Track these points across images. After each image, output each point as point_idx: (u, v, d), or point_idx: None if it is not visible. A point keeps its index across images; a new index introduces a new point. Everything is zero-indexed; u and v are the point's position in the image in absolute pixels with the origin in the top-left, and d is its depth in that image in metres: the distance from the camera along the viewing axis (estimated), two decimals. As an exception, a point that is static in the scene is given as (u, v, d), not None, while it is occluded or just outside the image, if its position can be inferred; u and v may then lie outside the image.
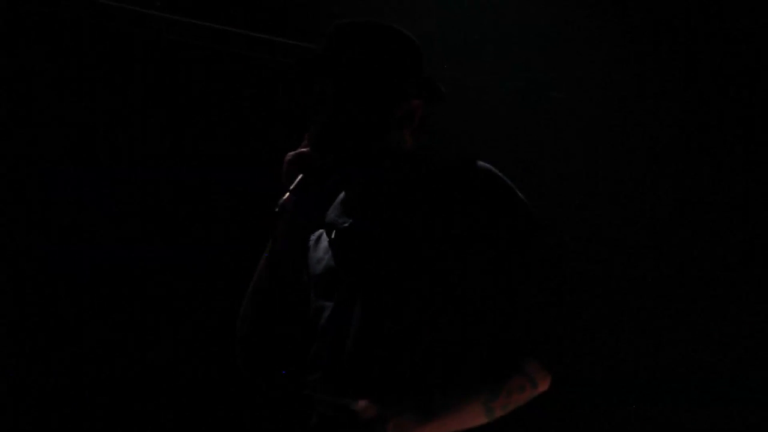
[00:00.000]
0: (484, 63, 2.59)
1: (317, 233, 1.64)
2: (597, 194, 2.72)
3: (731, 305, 2.68)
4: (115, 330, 2.40)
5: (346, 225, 1.53)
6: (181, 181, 2.44)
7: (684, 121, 2.68)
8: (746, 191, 2.68)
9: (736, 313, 2.68)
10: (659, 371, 2.71)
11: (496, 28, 2.58)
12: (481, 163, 1.51)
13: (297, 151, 1.52)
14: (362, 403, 1.36)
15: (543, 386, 1.41)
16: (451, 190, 1.49)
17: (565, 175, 2.67)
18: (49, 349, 2.35)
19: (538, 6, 2.57)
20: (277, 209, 1.47)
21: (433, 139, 1.58)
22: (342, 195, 1.61)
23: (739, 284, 2.69)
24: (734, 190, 2.69)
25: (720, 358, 2.68)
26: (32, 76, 2.34)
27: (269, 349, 1.56)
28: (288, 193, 1.48)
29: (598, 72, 2.65)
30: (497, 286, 1.44)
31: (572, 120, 2.67)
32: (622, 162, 2.71)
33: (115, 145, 2.40)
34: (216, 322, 2.35)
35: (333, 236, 1.56)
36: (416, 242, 1.48)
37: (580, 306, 1.47)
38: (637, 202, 2.73)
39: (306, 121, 1.53)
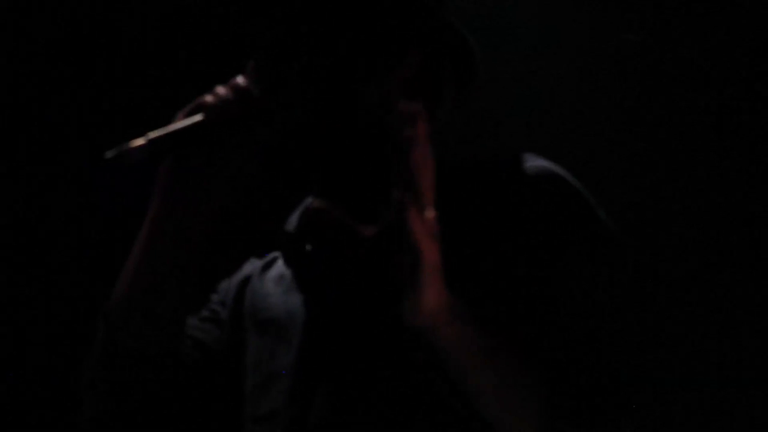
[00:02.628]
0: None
1: (271, 256, 1.15)
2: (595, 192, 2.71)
3: (731, 305, 2.68)
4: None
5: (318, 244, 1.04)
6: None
7: (683, 118, 2.68)
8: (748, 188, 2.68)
9: (736, 313, 2.68)
10: (660, 371, 2.71)
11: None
12: (537, 159, 1.04)
13: (238, 83, 1.00)
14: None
15: None
16: (495, 196, 1.01)
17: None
18: (49, 349, 2.35)
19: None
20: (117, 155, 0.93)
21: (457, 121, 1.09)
22: (307, 201, 1.11)
23: (740, 284, 2.69)
24: (735, 187, 2.69)
25: (720, 358, 2.68)
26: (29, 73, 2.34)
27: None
28: (160, 136, 0.95)
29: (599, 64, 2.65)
30: (553, 328, 0.98)
31: (568, 120, 2.67)
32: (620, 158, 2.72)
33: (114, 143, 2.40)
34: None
35: (293, 255, 1.08)
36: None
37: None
38: (635, 199, 2.73)
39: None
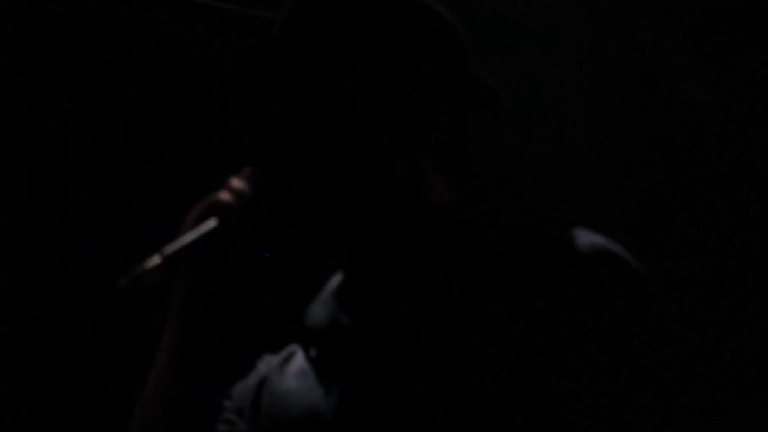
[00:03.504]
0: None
1: (287, 350, 1.02)
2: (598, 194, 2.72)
3: (732, 305, 2.68)
4: (115, 331, 2.40)
5: (347, 325, 0.91)
6: (180, 183, 2.44)
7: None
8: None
9: (736, 313, 2.68)
10: (660, 371, 2.70)
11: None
12: (592, 234, 0.87)
13: (233, 187, 0.90)
14: None
15: None
16: (543, 270, 0.85)
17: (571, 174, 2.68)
18: (49, 349, 2.35)
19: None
20: (132, 280, 0.83)
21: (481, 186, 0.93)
22: (336, 280, 0.97)
23: (740, 284, 2.69)
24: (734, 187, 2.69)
25: (720, 358, 2.68)
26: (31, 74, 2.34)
27: None
28: (172, 253, 0.85)
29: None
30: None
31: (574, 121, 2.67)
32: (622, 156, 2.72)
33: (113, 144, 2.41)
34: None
35: (319, 350, 0.94)
36: (474, 362, 0.83)
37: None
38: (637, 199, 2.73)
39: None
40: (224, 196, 0.91)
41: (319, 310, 0.97)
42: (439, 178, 0.93)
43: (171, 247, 0.87)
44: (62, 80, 2.35)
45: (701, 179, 2.69)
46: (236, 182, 0.91)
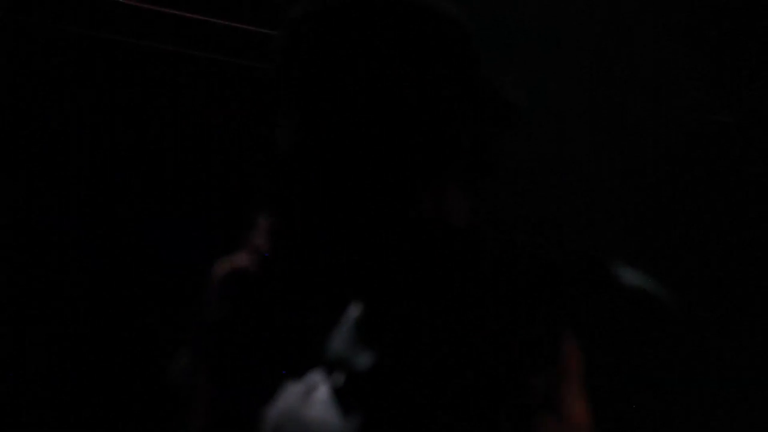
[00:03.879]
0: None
1: (310, 380, 0.98)
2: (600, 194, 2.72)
3: (731, 305, 2.68)
4: (116, 331, 2.40)
5: (370, 355, 0.87)
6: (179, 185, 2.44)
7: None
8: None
9: (736, 313, 2.67)
10: (660, 371, 2.70)
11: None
12: (633, 273, 0.84)
13: (240, 261, 0.86)
14: None
15: None
16: (554, 304, 0.81)
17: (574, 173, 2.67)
18: (49, 349, 2.35)
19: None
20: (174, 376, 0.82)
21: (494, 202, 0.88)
22: (357, 309, 0.93)
23: (740, 284, 2.68)
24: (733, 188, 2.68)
25: (720, 358, 2.67)
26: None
27: None
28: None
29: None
30: None
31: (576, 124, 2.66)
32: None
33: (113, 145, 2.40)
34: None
35: (343, 384, 0.90)
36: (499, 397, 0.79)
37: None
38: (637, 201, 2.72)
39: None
40: (246, 261, 0.87)
41: (341, 339, 0.93)
42: (461, 196, 0.88)
43: (198, 336, 0.85)
44: (62, 81, 2.35)
45: (701, 179, 2.69)
46: (256, 240, 0.87)
